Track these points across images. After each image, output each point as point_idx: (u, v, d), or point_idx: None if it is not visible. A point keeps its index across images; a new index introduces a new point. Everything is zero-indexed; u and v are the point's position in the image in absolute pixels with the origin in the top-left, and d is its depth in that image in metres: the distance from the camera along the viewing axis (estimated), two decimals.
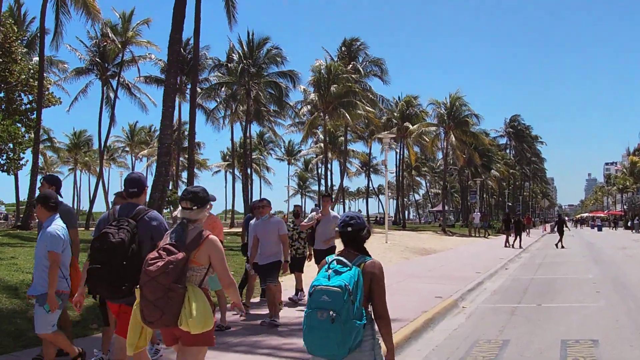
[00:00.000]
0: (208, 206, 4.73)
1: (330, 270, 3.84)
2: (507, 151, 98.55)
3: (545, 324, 10.31)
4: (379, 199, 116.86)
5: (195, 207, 4.56)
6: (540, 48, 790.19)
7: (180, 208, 4.62)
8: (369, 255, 4.08)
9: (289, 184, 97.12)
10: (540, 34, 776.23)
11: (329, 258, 3.98)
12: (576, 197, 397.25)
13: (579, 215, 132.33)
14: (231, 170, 73.12)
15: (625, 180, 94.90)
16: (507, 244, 33.29)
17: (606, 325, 9.97)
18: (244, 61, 45.00)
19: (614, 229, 78.03)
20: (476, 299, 13.79)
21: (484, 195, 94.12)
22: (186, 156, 73.33)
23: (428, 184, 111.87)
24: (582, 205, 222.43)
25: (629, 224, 67.44)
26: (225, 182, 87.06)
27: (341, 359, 3.74)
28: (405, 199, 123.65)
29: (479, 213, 51.51)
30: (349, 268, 3.84)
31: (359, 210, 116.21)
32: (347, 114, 42.79)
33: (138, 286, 4.38)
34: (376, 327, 3.98)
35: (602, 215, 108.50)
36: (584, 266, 21.61)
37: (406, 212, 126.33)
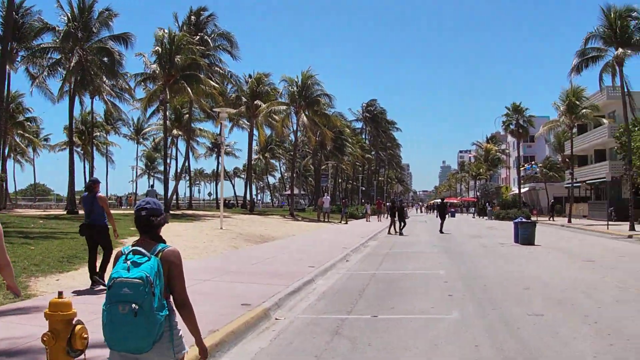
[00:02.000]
0: None
1: (128, 262, 3.82)
2: (363, 136, 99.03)
3: (377, 351, 7.49)
4: (232, 182, 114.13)
5: None
6: (401, 33, 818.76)
7: None
8: (165, 243, 4.11)
9: (137, 164, 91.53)
10: (401, 21, 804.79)
11: (126, 249, 3.95)
12: (431, 184, 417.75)
13: (432, 201, 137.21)
14: (79, 149, 67.53)
15: (479, 167, 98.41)
16: (394, 231, 33.45)
17: (462, 355, 7.28)
18: (71, 24, 39.02)
19: (469, 215, 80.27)
20: (297, 306, 11.06)
21: (339, 180, 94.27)
22: (20, 132, 67.09)
23: (283, 167, 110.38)
24: (436, 191, 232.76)
25: (487, 209, 69.41)
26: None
27: (145, 352, 3.77)
28: (261, 182, 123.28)
29: (328, 197, 50.17)
30: (147, 258, 3.87)
31: (209, 193, 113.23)
32: (189, 89, 38.90)
33: None
34: (176, 318, 4.02)
35: (456, 201, 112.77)
36: (435, 258, 19.61)
37: (262, 196, 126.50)
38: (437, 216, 38.47)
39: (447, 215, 36.48)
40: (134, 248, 3.94)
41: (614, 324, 8.96)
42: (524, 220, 26.43)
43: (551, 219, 53.23)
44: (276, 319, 9.78)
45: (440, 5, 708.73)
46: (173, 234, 22.58)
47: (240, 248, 21.46)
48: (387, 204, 50.88)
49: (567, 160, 70.10)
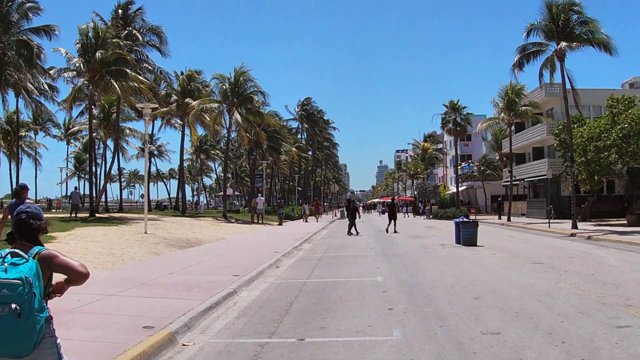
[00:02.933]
0: None
1: (6, 264, 3.79)
2: (300, 135, 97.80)
3: None
4: (166, 184, 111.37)
5: None
6: (338, 32, 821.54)
7: None
8: (43, 246, 4.12)
9: (67, 165, 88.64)
10: (338, 19, 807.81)
11: (3, 252, 3.91)
12: (368, 184, 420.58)
13: (370, 201, 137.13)
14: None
15: (417, 166, 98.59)
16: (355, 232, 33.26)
17: None
18: None
19: (406, 215, 79.80)
20: (211, 327, 9.53)
21: (276, 180, 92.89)
22: None
23: (220, 168, 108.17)
24: (373, 190, 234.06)
25: (423, 208, 69.21)
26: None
27: (26, 355, 3.75)
28: (197, 184, 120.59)
29: (262, 198, 48.71)
30: (25, 260, 3.86)
31: (142, 195, 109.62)
32: (115, 85, 36.53)
33: None
34: (53, 325, 4.00)
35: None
36: (373, 262, 18.24)
37: (198, 198, 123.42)
38: (382, 214, 38.78)
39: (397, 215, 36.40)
40: (11, 250, 3.97)
41: (585, 344, 7.65)
42: (465, 220, 25.37)
43: (499, 217, 52.91)
44: (183, 344, 8.24)
45: (377, 2, 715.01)
46: (91, 239, 20.87)
47: (162, 254, 19.87)
48: (343, 204, 49.71)
49: (504, 158, 70.64)
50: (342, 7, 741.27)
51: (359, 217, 38.37)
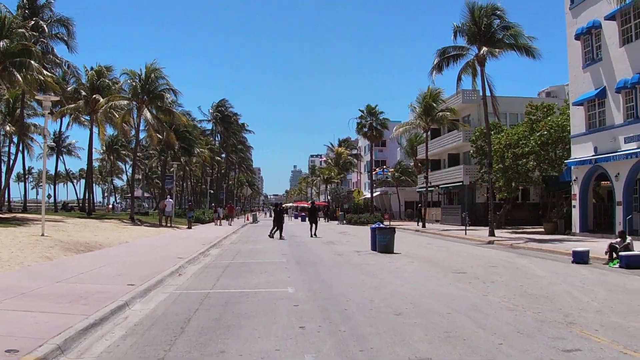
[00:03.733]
0: None
1: None
2: (214, 137, 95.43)
3: None
4: (74, 185, 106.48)
5: None
6: (254, 36, 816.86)
7: None
8: None
9: None
10: (254, 23, 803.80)
11: None
12: (282, 188, 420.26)
13: (283, 205, 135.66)
14: None
15: (331, 170, 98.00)
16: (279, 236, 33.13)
17: None
18: None
19: (320, 219, 78.77)
20: (92, 349, 7.96)
21: (188, 182, 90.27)
22: None
23: (130, 169, 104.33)
24: (286, 195, 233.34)
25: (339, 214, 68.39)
26: None
27: None
28: (108, 185, 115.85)
29: (171, 200, 46.54)
30: None
31: (49, 195, 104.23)
32: (19, 77, 33.59)
33: None
34: None
35: (306, 205, 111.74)
36: (284, 271, 16.75)
37: (108, 199, 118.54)
38: (295, 219, 38.49)
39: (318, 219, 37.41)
40: None
41: None
42: (382, 226, 24.29)
43: (418, 224, 52.24)
44: None
45: (292, 7, 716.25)
46: None
47: (55, 259, 17.87)
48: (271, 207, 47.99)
49: (419, 164, 70.88)
50: (259, 14, 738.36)
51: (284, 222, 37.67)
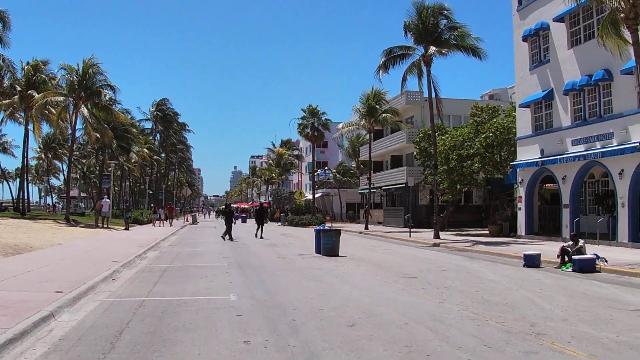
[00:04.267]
0: None
1: None
2: (154, 137, 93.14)
3: None
4: (9, 184, 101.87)
5: None
6: (195, 37, 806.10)
7: None
8: None
9: None
10: (196, 24, 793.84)
11: None
12: (222, 189, 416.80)
13: (221, 206, 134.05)
14: None
15: (272, 171, 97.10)
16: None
17: None
18: None
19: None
20: None
21: (127, 182, 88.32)
22: None
23: (67, 168, 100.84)
24: (227, 195, 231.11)
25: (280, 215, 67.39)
26: None
27: None
28: (45, 184, 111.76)
29: (108, 200, 44.65)
30: None
31: None
32: None
33: None
34: None
35: (247, 206, 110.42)
36: (226, 275, 15.68)
37: (44, 199, 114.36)
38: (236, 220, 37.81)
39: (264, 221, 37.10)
40: None
41: None
42: (326, 228, 23.37)
43: (367, 226, 51.18)
44: None
45: (235, 10, 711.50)
46: None
47: None
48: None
49: (361, 166, 70.45)
50: (202, 17, 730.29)
51: (234, 223, 38.26)
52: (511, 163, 33.47)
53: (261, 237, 33.67)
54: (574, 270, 16.99)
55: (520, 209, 32.21)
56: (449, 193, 38.27)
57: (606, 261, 17.62)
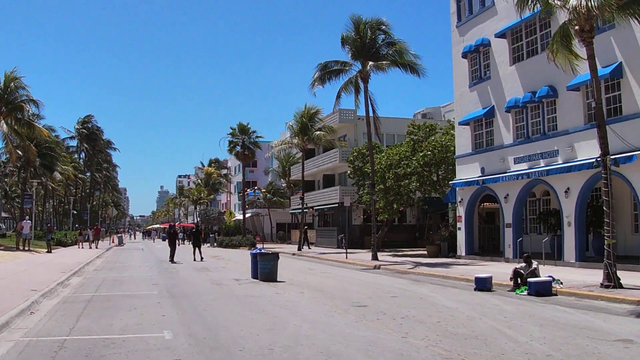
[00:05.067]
0: None
1: None
2: (78, 155, 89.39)
3: None
4: None
5: None
6: (122, 55, 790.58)
7: None
8: None
9: None
10: (122, 44, 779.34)
11: None
12: (148, 209, 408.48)
13: (149, 227, 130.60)
14: None
15: (200, 191, 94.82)
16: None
17: None
18: None
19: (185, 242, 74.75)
20: None
21: (51, 202, 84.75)
22: None
23: None
24: (153, 216, 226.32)
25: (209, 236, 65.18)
26: None
27: None
28: None
29: (29, 221, 41.68)
30: None
31: None
32: None
33: None
34: None
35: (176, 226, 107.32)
36: (157, 306, 14.04)
37: None
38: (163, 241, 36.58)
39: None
40: None
41: None
42: (263, 251, 21.85)
43: (301, 247, 49.22)
44: None
45: (166, 28, 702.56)
46: None
47: None
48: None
49: (292, 185, 69.25)
50: (125, 36, 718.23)
51: (179, 245, 37.88)
52: (450, 182, 32.77)
53: (201, 259, 32.49)
54: (529, 294, 16.09)
55: (460, 228, 31.43)
56: (385, 212, 37.32)
57: (561, 283, 16.82)
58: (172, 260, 31.77)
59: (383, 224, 41.50)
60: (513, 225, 27.45)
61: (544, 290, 16.03)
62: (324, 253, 40.89)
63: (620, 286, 16.02)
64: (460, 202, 31.26)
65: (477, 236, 31.66)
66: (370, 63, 31.03)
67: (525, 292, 16.31)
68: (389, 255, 35.92)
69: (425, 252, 35.71)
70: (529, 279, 16.54)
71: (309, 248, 48.29)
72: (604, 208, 16.51)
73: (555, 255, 24.74)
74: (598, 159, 16.80)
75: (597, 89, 16.70)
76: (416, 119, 51.92)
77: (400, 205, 37.55)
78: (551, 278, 16.72)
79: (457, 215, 31.74)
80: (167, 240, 34.93)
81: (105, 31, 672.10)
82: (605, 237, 16.49)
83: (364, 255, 34.54)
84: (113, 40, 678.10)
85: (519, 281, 17.14)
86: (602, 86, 22.24)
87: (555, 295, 16.11)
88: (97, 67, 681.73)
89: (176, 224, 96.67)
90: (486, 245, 31.86)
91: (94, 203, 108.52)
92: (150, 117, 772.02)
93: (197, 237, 34.89)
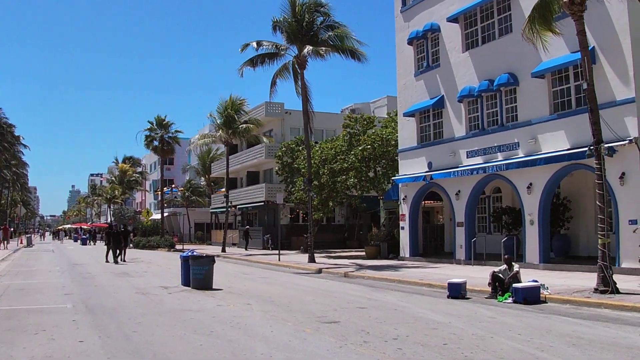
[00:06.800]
0: None
1: None
2: None
3: None
4: None
5: None
6: (39, 46, 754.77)
7: None
8: None
9: None
10: (34, 36, 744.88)
11: None
12: (59, 209, 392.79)
13: (60, 227, 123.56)
14: None
15: (115, 189, 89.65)
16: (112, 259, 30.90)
17: None
18: None
19: (92, 242, 69.60)
20: None
21: None
22: None
23: None
24: (64, 216, 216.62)
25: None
26: None
27: None
28: None
29: None
30: None
31: None
32: None
33: None
34: None
35: (86, 227, 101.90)
36: (72, 327, 10.93)
37: None
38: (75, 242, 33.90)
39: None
40: None
41: None
42: (196, 254, 18.67)
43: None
44: None
45: (80, 18, 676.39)
46: None
47: None
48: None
49: (212, 183, 65.79)
50: (48, 29, 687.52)
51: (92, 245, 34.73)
52: (393, 178, 30.35)
53: (123, 261, 31.11)
54: (515, 302, 13.80)
55: (403, 228, 28.92)
56: (320, 211, 34.67)
57: (547, 288, 14.60)
58: (115, 260, 30.43)
59: (314, 223, 38.92)
60: (465, 225, 25.12)
61: (532, 297, 13.79)
62: (252, 255, 37.90)
63: (618, 291, 13.94)
64: (404, 199, 28.78)
65: (422, 236, 29.34)
66: (308, 47, 28.21)
67: (510, 300, 14.02)
68: (323, 257, 33.26)
69: (362, 254, 33.32)
70: (514, 285, 14.23)
71: (223, 250, 44.84)
72: (598, 203, 14.48)
73: (514, 256, 22.68)
74: (591, 147, 14.71)
75: (589, 69, 14.58)
76: (343, 114, 49.58)
77: (336, 203, 35.05)
78: (537, 283, 14.50)
79: (400, 213, 29.21)
80: (108, 240, 32.16)
81: (11, 19, 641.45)
82: (599, 236, 14.40)
83: (296, 257, 31.95)
84: (21, 28, 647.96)
85: (497, 286, 14.85)
86: (570, 73, 20.41)
87: (545, 302, 13.93)
88: (4, 56, 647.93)
89: (89, 224, 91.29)
90: (428, 246, 29.66)
91: (2, 202, 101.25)
92: (61, 111, 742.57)
93: (125, 238, 32.79)
